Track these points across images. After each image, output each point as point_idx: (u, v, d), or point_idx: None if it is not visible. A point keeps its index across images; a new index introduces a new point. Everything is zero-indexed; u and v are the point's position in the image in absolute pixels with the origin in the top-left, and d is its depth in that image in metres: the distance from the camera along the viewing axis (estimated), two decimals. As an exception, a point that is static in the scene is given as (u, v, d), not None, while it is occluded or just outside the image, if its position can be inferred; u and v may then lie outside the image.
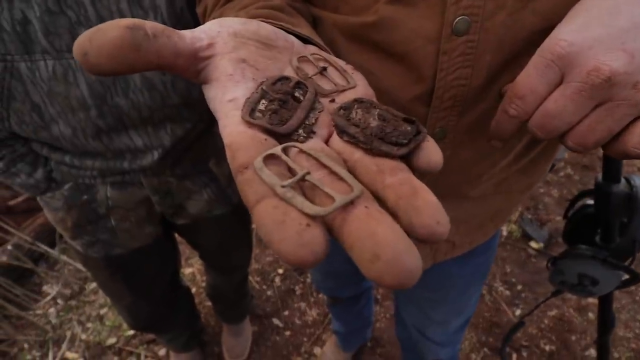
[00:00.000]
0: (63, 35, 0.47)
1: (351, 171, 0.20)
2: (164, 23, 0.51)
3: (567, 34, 0.25)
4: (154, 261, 0.82)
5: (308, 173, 0.17)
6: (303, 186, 0.18)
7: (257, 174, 0.17)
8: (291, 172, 0.18)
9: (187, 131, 0.63)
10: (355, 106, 0.22)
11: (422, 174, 0.20)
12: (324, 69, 0.25)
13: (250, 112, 0.20)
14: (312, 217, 0.15)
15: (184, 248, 1.52)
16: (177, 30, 0.21)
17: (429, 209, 0.16)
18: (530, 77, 0.26)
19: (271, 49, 0.24)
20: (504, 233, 1.59)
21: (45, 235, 1.53)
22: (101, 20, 0.47)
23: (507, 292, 1.40)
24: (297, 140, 0.21)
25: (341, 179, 0.18)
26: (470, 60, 0.33)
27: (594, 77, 0.23)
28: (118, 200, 0.67)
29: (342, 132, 0.21)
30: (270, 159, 0.18)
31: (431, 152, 0.20)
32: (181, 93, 0.58)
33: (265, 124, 0.20)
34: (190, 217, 0.76)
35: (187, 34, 0.21)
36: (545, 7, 0.30)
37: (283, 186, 0.16)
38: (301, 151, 0.20)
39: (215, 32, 0.23)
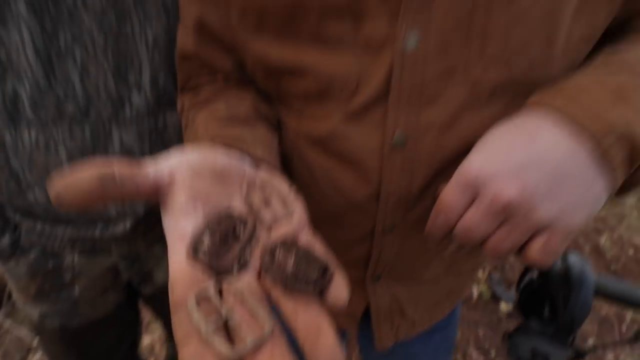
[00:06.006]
0: (49, 108, 0.48)
1: (278, 304, 0.24)
2: (146, 99, 0.54)
3: (475, 163, 0.30)
4: (113, 332, 0.78)
5: (226, 321, 0.21)
6: (229, 324, 0.22)
7: (189, 313, 0.21)
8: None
9: None
10: (279, 247, 0.26)
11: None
12: (268, 200, 0.29)
13: (193, 249, 0.24)
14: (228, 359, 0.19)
15: (144, 313, 1.43)
16: (143, 167, 0.24)
17: (325, 352, 0.20)
18: (449, 195, 0.31)
19: (224, 179, 0.28)
20: (475, 295, 1.61)
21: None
22: (87, 96, 0.49)
23: (482, 358, 1.39)
24: (231, 273, 0.24)
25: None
26: (408, 170, 0.38)
27: (496, 202, 0.28)
28: (84, 267, 0.65)
29: (266, 272, 0.25)
30: (203, 295, 0.22)
31: (338, 292, 0.23)
32: None
33: (205, 261, 0.23)
34: (157, 286, 0.74)
35: (151, 170, 0.25)
36: (467, 132, 0.36)
37: (207, 327, 0.20)
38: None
39: (175, 165, 0.27)
